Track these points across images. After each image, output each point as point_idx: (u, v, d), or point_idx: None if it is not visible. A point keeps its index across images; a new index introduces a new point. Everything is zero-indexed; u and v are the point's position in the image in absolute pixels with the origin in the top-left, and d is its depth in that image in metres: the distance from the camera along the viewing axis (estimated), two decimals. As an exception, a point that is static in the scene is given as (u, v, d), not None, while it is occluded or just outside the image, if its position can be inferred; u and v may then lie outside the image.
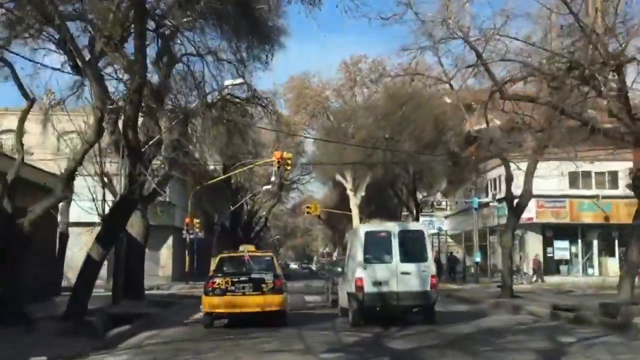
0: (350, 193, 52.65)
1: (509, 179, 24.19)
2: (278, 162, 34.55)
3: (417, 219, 42.65)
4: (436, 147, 39.78)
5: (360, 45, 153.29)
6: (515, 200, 24.73)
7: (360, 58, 51.78)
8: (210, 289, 15.53)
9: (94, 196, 15.50)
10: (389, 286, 14.64)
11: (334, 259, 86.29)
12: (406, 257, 14.83)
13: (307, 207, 57.58)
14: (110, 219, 14.71)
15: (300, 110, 51.07)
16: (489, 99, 18.76)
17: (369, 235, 15.05)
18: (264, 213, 66.09)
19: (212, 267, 17.95)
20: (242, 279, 15.53)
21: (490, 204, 39.12)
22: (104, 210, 14.53)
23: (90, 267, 15.28)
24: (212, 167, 55.85)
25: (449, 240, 53.46)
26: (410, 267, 14.78)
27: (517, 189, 25.16)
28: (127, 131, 15.03)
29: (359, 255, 14.91)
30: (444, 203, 52.73)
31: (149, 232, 24.37)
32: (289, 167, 35.54)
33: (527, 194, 23.99)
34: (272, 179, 36.85)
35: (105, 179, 18.95)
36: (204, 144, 30.50)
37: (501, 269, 40.82)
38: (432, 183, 39.30)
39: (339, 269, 20.39)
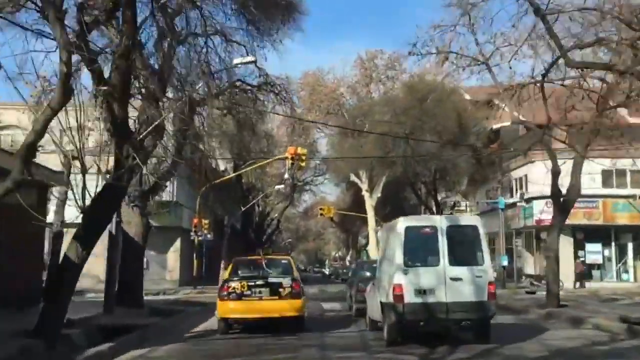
0: (365, 194, 49.63)
1: (556, 173, 20.97)
2: (292, 158, 31.50)
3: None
4: (458, 144, 36.62)
5: (376, 39, 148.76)
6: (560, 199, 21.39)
7: (376, 53, 48.82)
8: (225, 293, 14.64)
9: (72, 185, 12.39)
10: (435, 295, 11.48)
11: (347, 263, 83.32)
12: (457, 259, 11.67)
13: (321, 209, 54.47)
14: (91, 211, 11.62)
15: (314, 107, 48.02)
16: (551, 65, 15.52)
17: (410, 231, 11.84)
18: (276, 215, 62.97)
19: (225, 271, 17.74)
20: (259, 283, 14.65)
21: (518, 204, 35.80)
22: (84, 201, 11.41)
23: (68, 271, 12.21)
24: (222, 168, 52.94)
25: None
26: (461, 271, 11.61)
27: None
28: (111, 104, 11.95)
29: (398, 257, 11.73)
30: (463, 204, 49.44)
31: (148, 232, 21.38)
32: (303, 164, 32.42)
33: (575, 190, 20.75)
34: (285, 176, 33.83)
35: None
36: (211, 136, 27.55)
37: (529, 274, 38.14)
38: (454, 181, 36.07)
39: (367, 273, 17.32)
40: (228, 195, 46.83)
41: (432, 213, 40.17)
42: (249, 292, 14.47)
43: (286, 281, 14.80)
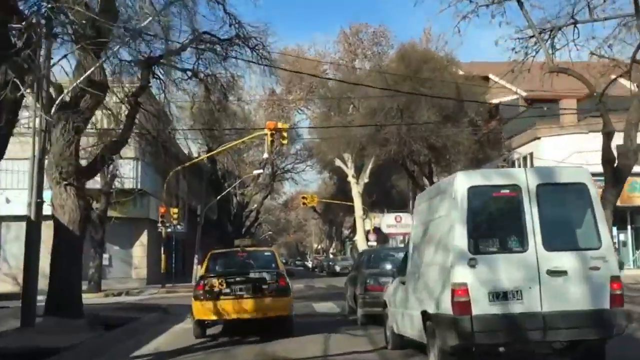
0: (351, 180, 44.85)
1: (610, 133, 16.21)
2: (271, 133, 26.62)
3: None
4: (458, 120, 32.01)
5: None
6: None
7: (360, 27, 43.89)
8: (200, 292, 12.55)
9: None
10: (524, 302, 6.64)
11: (331, 255, 78.66)
12: (557, 239, 6.81)
13: (303, 198, 49.59)
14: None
15: (295, 86, 43.00)
16: None
17: (476, 194, 6.97)
18: (255, 206, 57.94)
19: (199, 266, 15.20)
20: (239, 279, 12.57)
21: (527, 184, 31.17)
22: None
23: None
24: (195, 154, 47.75)
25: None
26: (566, 259, 6.76)
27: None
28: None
29: (458, 238, 6.86)
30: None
31: (89, 219, 16.27)
32: (285, 141, 27.51)
33: (631, 155, 15.99)
34: (264, 155, 28.80)
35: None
36: (173, 107, 22.56)
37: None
38: (454, 161, 31.38)
39: (384, 265, 12.53)
40: (201, 182, 41.71)
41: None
42: (227, 290, 12.37)
43: (270, 276, 12.63)
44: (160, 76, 19.57)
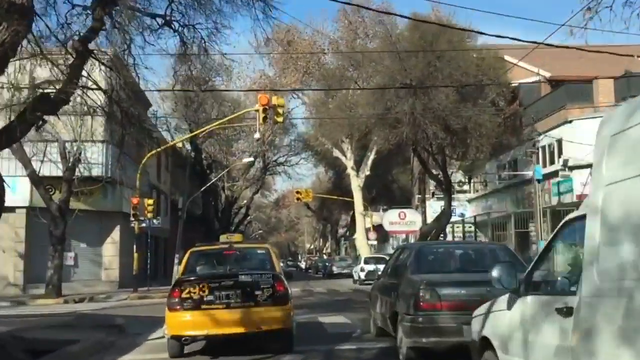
0: (351, 172, 40.17)
1: None
2: (264, 109, 21.82)
3: (449, 202, 29.97)
4: (479, 100, 27.32)
5: None
6: None
7: (362, 2, 38.96)
8: (176, 300, 9.41)
9: None
10: None
11: (325, 255, 73.88)
12: None
13: (297, 193, 44.72)
14: None
15: (289, 68, 38.12)
16: None
17: None
18: (245, 202, 52.98)
19: (180, 266, 11.34)
20: (226, 283, 9.49)
21: (561, 173, 26.50)
22: None
23: None
24: (180, 144, 42.83)
25: (469, 229, 40.88)
26: None
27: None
28: None
29: None
30: (466, 183, 40.22)
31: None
32: (280, 119, 22.68)
33: None
34: (256, 135, 23.92)
35: None
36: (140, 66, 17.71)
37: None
38: (477, 147, 26.62)
39: (453, 268, 7.96)
40: (184, 172, 36.80)
41: (442, 189, 30.70)
42: (211, 298, 9.52)
43: (265, 279, 9.73)
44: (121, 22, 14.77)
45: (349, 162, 39.86)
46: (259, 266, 10.75)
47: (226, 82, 36.06)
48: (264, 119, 22.10)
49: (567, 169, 26.17)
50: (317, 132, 38.95)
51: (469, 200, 40.88)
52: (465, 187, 40.67)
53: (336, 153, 40.12)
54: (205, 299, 9.35)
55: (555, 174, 28.23)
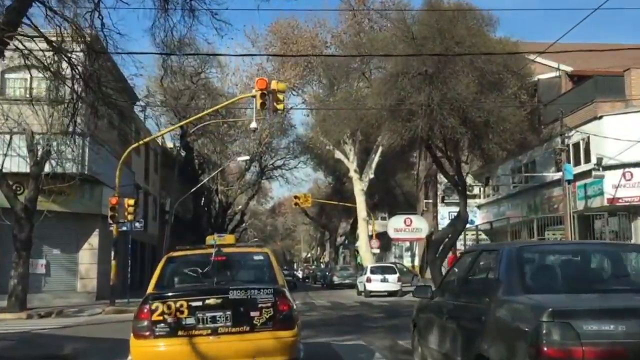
0: (354, 175, 36.76)
1: None
2: (262, 95, 18.44)
3: (464, 205, 26.53)
4: (502, 92, 24.01)
5: None
6: None
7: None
8: (144, 323, 6.84)
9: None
10: None
11: (322, 265, 70.09)
12: None
13: (296, 197, 41.18)
14: None
15: (289, 62, 34.72)
16: None
17: None
18: (240, 207, 49.40)
19: (152, 278, 7.82)
20: (212, 301, 6.92)
21: (594, 173, 23.11)
22: None
23: None
24: (170, 144, 39.41)
25: (481, 236, 37.47)
26: None
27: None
28: None
29: None
30: (476, 186, 36.86)
31: None
32: (280, 106, 19.24)
33: None
34: (252, 125, 20.43)
35: None
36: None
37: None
38: (500, 143, 23.25)
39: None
40: (173, 173, 33.24)
41: (457, 190, 27.21)
42: (192, 321, 6.77)
43: (264, 296, 6.90)
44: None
45: (352, 165, 36.47)
46: (257, 277, 8.01)
47: (220, 75, 32.68)
48: (262, 105, 18.67)
49: (600, 169, 22.79)
50: (318, 132, 35.55)
51: (479, 206, 37.48)
52: (475, 192, 37.33)
53: (338, 155, 36.74)
54: (183, 322, 6.77)
55: (583, 175, 24.89)
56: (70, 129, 20.39)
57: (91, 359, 9.81)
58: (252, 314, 6.76)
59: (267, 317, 6.77)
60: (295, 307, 7.23)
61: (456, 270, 6.76)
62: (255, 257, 8.30)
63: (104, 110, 20.38)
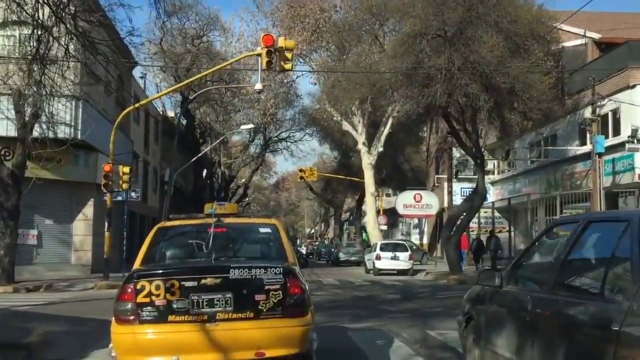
0: (362, 148, 34.89)
1: None
2: (268, 52, 16.60)
3: (482, 178, 24.75)
4: (528, 57, 22.03)
5: None
6: None
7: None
8: (128, 305, 5.63)
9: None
10: None
11: (327, 240, 68.64)
12: None
13: (301, 171, 39.39)
14: None
15: (296, 28, 32.64)
16: None
17: None
18: (243, 180, 47.66)
19: (140, 251, 6.61)
20: (209, 281, 5.65)
21: (628, 146, 21.19)
22: None
23: None
24: (171, 113, 37.57)
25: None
26: None
27: None
28: None
29: None
30: (495, 159, 35.02)
31: None
32: (288, 66, 17.34)
33: None
34: (257, 86, 18.54)
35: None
36: None
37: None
38: (526, 111, 21.36)
39: None
40: (172, 141, 31.38)
41: (475, 163, 25.33)
42: (184, 304, 5.59)
43: (272, 276, 5.66)
44: None
45: (360, 137, 34.56)
46: (263, 254, 6.80)
47: (223, 40, 30.67)
48: (268, 64, 16.79)
49: (635, 141, 20.86)
50: (325, 102, 33.60)
51: (493, 182, 35.61)
52: (489, 167, 35.48)
53: (346, 127, 34.83)
54: (175, 306, 5.61)
55: (611, 148, 22.97)
56: (65, 92, 18.63)
57: (61, 349, 8.10)
58: (257, 297, 5.60)
59: (275, 301, 5.62)
60: (307, 289, 5.87)
61: (542, 249, 4.95)
62: (262, 230, 6.95)
63: (100, 72, 18.59)
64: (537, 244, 5.09)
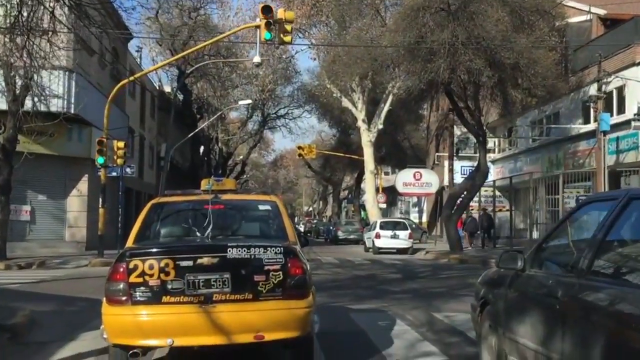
0: (362, 125, 34.31)
1: None
2: (267, 24, 16.02)
3: (484, 156, 24.28)
4: (533, 32, 21.42)
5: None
6: None
7: None
8: (120, 285, 5.28)
9: None
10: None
11: (325, 218, 68.35)
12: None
13: (299, 148, 38.85)
14: None
15: (295, 1, 31.81)
16: None
17: None
18: (241, 157, 47.14)
19: (133, 228, 6.20)
20: (205, 261, 5.28)
21: (634, 124, 20.69)
22: None
23: None
24: (168, 88, 36.88)
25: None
26: None
27: None
28: None
29: None
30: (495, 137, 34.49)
31: None
32: (287, 39, 16.74)
33: None
34: (256, 59, 17.93)
35: None
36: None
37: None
38: (530, 88, 20.79)
39: None
40: (168, 117, 30.77)
41: (478, 141, 24.85)
42: (179, 285, 5.23)
43: (272, 256, 5.31)
44: None
45: (360, 114, 33.94)
46: (262, 232, 6.50)
47: (221, 12, 29.85)
48: (267, 25, 16.17)
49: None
50: (325, 78, 32.91)
51: (493, 161, 35.12)
52: (489, 146, 34.98)
53: (345, 103, 34.18)
54: (169, 286, 5.29)
55: (615, 127, 22.45)
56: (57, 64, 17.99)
57: (48, 330, 7.66)
58: (257, 278, 5.30)
59: (275, 282, 5.31)
60: (309, 270, 5.54)
61: (572, 230, 4.46)
62: (261, 207, 6.68)
63: (94, 45, 17.96)
64: (565, 223, 4.59)
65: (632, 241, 3.75)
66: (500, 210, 31.24)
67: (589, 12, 27.54)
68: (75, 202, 23.61)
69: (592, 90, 22.56)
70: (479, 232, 29.46)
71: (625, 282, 3.48)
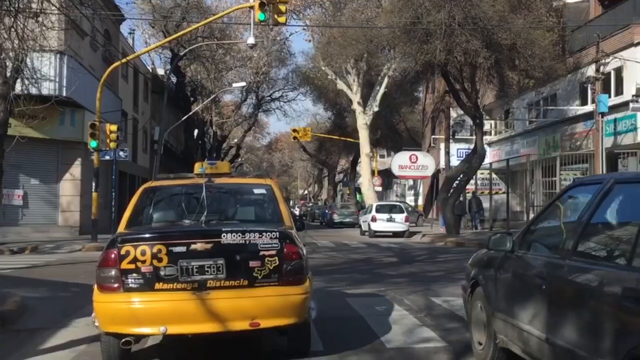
0: (357, 108, 34.07)
1: None
2: (261, 4, 15.70)
3: (481, 139, 24.11)
4: (530, 12, 21.17)
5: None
6: None
7: None
8: (112, 271, 5.18)
9: None
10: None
11: (320, 201, 68.24)
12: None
13: (294, 131, 38.58)
14: None
15: (290, -18, 31.36)
16: None
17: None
18: (235, 140, 46.86)
19: (125, 213, 6.07)
20: (199, 246, 5.16)
21: (633, 105, 20.50)
22: None
23: None
24: (161, 71, 36.48)
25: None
26: None
27: None
28: None
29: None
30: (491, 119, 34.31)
31: None
32: (282, 20, 16.45)
33: None
34: (250, 40, 17.64)
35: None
36: None
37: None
38: (528, 69, 20.59)
39: None
40: (161, 100, 30.44)
41: (474, 123, 24.68)
42: (173, 271, 5.13)
43: (267, 241, 5.21)
44: None
45: (355, 97, 33.70)
46: (257, 216, 6.40)
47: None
48: (261, 6, 15.87)
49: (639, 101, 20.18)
50: (320, 60, 32.59)
51: (489, 144, 34.98)
52: (485, 128, 34.81)
53: (341, 86, 33.91)
54: (162, 272, 5.18)
55: (613, 108, 22.28)
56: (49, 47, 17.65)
57: (39, 318, 7.51)
58: (252, 263, 5.20)
59: (271, 268, 5.21)
60: (305, 255, 5.46)
61: (559, 212, 4.43)
62: (256, 191, 6.59)
63: (86, 27, 17.62)
64: (552, 206, 4.58)
65: (616, 224, 3.78)
66: (496, 193, 31.17)
67: (586, -8, 27.25)
68: (68, 186, 23.36)
69: (590, 71, 22.38)
70: (467, 214, 29.38)
71: (608, 263, 3.54)
